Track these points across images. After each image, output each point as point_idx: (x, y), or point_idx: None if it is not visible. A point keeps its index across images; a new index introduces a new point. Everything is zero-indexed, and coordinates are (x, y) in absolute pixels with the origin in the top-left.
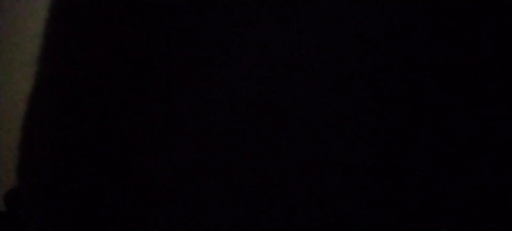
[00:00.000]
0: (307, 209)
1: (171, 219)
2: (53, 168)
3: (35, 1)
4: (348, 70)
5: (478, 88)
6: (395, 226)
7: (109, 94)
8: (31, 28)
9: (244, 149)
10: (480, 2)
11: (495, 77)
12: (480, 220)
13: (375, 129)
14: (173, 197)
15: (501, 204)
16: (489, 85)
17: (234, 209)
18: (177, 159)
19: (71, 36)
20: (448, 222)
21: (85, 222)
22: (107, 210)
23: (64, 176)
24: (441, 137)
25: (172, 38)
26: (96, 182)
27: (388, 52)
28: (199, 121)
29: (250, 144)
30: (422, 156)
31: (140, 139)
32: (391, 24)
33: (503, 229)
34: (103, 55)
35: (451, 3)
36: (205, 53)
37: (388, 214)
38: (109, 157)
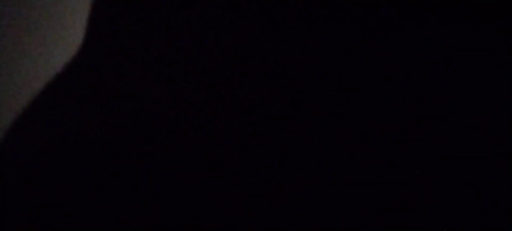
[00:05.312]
0: (304, 209)
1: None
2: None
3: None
4: (346, 69)
5: (478, 88)
6: (395, 226)
7: (107, 93)
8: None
9: (243, 148)
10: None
11: (495, 77)
12: (480, 220)
13: (374, 128)
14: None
15: (501, 204)
16: (488, 85)
17: (231, 208)
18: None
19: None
20: (448, 222)
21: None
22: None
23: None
24: (441, 136)
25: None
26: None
27: (387, 51)
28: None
29: (249, 144)
30: (422, 156)
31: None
32: (388, 23)
33: (503, 229)
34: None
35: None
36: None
37: (387, 214)
38: (107, 157)
